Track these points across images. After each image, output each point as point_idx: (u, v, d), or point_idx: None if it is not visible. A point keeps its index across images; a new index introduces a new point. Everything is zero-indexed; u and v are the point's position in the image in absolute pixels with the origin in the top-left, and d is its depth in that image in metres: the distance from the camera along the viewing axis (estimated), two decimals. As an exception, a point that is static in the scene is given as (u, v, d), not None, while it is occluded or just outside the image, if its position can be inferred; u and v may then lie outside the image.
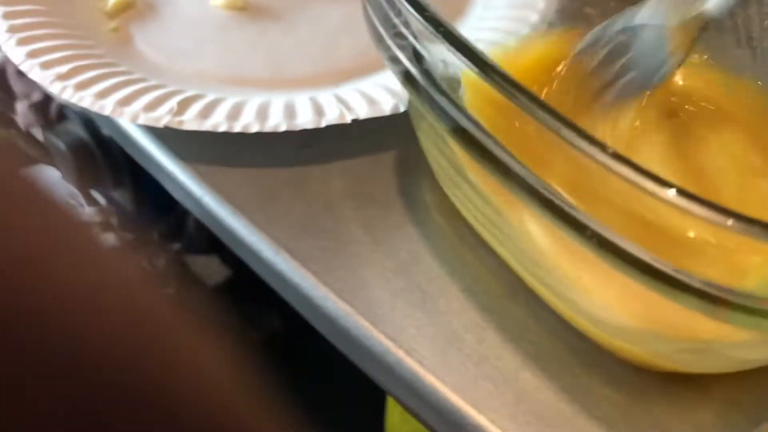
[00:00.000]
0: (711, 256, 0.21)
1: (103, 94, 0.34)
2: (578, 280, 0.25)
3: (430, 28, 0.23)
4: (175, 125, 0.33)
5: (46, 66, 0.36)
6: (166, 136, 0.36)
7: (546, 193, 0.21)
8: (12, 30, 0.37)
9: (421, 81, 0.25)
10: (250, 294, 0.98)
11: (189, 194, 0.35)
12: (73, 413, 0.11)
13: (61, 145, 0.84)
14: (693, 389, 0.28)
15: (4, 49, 0.37)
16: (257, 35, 0.41)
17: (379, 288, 0.31)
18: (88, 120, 0.84)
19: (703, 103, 0.35)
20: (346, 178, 0.35)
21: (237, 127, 0.33)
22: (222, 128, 0.33)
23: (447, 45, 0.23)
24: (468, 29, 0.38)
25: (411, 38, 0.25)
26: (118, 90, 0.35)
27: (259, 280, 0.33)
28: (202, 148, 0.36)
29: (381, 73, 0.39)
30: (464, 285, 0.31)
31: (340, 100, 0.35)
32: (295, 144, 0.36)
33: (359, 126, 0.34)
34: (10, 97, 0.83)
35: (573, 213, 0.21)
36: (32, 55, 0.36)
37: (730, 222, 0.19)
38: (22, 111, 0.82)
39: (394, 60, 0.27)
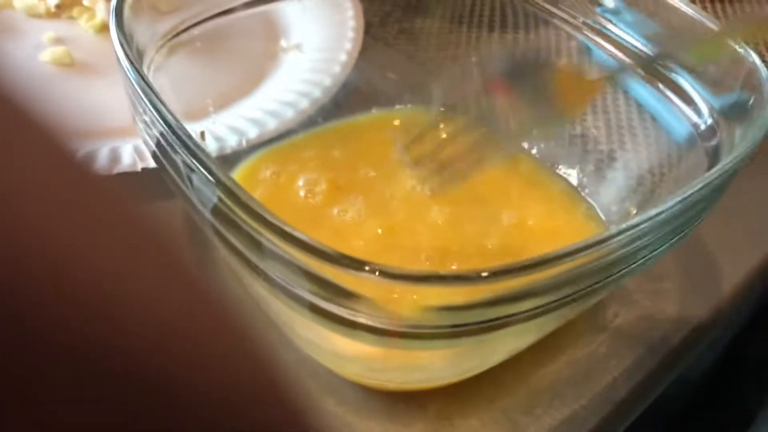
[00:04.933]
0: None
1: None
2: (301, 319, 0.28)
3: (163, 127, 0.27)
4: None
5: None
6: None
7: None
8: None
9: (165, 164, 0.28)
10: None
11: None
12: None
13: None
14: (411, 405, 0.32)
15: None
16: (83, 90, 0.45)
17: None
18: None
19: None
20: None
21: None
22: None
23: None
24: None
25: (153, 130, 0.28)
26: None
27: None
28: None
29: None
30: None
31: (137, 151, 0.39)
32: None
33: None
34: None
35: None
36: None
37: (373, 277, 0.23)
38: None
39: (145, 140, 0.29)
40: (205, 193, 0.27)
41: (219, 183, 0.26)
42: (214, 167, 0.26)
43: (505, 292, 0.24)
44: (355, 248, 0.34)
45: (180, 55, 0.36)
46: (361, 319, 0.26)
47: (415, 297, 0.26)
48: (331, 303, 0.26)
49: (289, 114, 0.41)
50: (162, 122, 0.27)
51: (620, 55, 0.42)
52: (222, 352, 0.12)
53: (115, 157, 0.38)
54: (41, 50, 0.46)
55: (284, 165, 0.39)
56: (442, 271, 0.22)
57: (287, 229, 0.24)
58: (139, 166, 0.38)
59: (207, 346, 0.11)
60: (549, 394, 0.33)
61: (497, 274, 0.22)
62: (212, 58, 0.41)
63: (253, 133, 0.39)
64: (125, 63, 0.28)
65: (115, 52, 0.29)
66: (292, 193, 0.37)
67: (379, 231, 0.35)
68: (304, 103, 0.41)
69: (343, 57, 0.45)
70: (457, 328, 0.25)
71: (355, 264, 0.22)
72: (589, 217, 0.37)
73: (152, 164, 0.38)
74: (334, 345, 0.30)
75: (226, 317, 0.12)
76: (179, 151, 0.26)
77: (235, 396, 0.11)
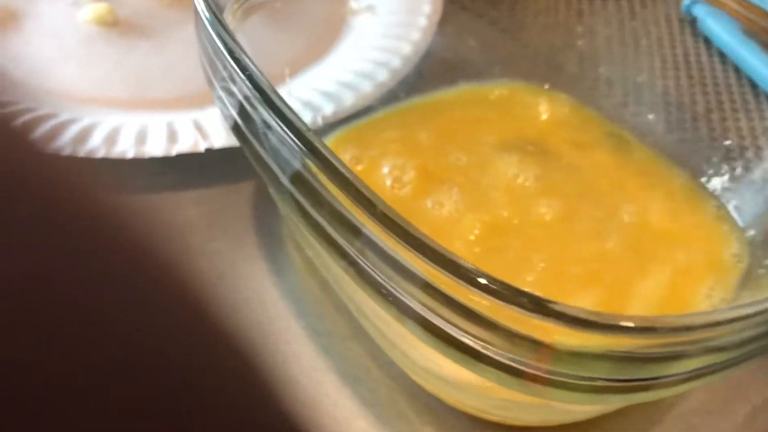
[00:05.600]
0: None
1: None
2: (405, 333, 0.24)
3: (250, 90, 0.22)
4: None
5: None
6: None
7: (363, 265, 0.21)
8: None
9: (249, 135, 0.23)
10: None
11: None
12: None
13: None
14: (525, 440, 0.28)
15: None
16: (125, 53, 0.39)
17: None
18: None
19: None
20: (199, 208, 0.34)
21: (81, 152, 0.32)
22: (66, 151, 0.32)
23: (264, 108, 0.22)
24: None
25: (237, 93, 0.24)
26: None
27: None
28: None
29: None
30: (307, 323, 0.30)
31: (198, 127, 0.34)
32: (149, 170, 0.35)
33: (218, 153, 0.33)
34: None
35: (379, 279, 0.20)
36: None
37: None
38: None
39: (223, 110, 0.25)
40: (293, 164, 0.22)
41: (322, 159, 0.21)
42: (318, 142, 0.21)
43: (685, 345, 0.19)
44: (457, 250, 0.29)
45: (253, 19, 0.31)
46: (490, 353, 0.21)
47: (557, 336, 0.21)
48: (451, 325, 0.21)
49: (368, 87, 0.35)
50: (250, 84, 0.22)
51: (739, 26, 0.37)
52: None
53: (172, 134, 0.34)
54: (80, 7, 0.41)
55: (364, 148, 0.34)
56: (639, 318, 0.17)
57: (419, 237, 0.20)
58: (202, 146, 0.33)
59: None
60: (682, 424, 0.29)
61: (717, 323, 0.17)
62: (281, 23, 0.36)
63: (328, 110, 0.34)
64: (209, 18, 0.23)
65: (195, 6, 0.24)
66: (377, 182, 0.32)
67: (477, 230, 0.31)
68: (383, 75, 0.36)
69: (423, 21, 0.39)
70: (622, 382, 0.20)
71: (538, 305, 0.17)
72: (719, 218, 0.32)
73: (216, 144, 0.33)
74: (447, 371, 0.25)
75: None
76: (272, 114, 0.22)
77: None
